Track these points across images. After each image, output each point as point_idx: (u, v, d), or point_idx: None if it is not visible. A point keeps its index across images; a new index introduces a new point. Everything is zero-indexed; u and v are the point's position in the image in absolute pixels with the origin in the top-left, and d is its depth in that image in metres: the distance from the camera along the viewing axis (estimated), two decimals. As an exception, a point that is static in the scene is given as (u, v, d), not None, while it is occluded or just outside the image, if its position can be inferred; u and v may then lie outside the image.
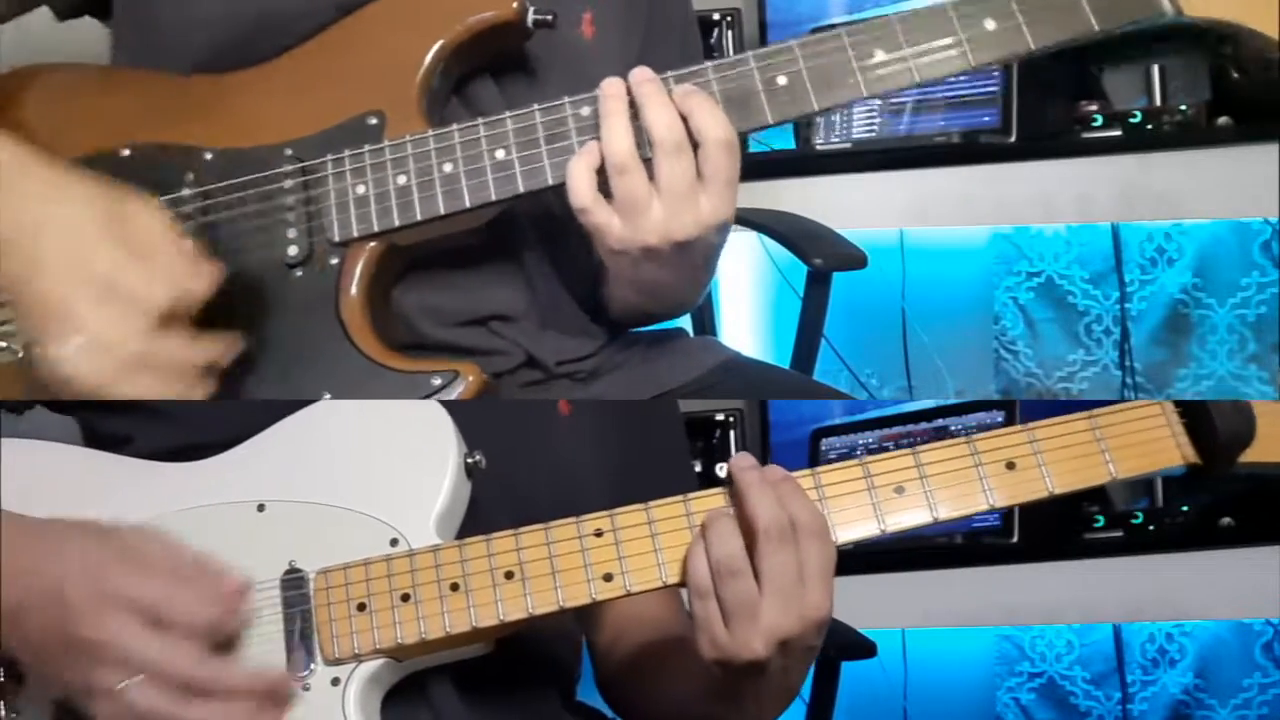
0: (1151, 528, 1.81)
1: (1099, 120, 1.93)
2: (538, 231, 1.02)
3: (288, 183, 0.92)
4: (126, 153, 0.94)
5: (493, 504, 0.87)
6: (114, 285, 0.79)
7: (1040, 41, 0.88)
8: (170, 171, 0.93)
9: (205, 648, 0.76)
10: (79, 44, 1.07)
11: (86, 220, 0.80)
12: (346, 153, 0.92)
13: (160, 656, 0.74)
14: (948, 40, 0.89)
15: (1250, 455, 0.80)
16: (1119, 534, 1.82)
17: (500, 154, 0.90)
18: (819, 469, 0.80)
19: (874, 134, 2.07)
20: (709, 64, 0.90)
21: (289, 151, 0.93)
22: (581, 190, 0.86)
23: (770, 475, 0.78)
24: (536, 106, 0.91)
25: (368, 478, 0.84)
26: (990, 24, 0.88)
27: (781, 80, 0.89)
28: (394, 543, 0.81)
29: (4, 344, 0.90)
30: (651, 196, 0.84)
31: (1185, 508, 1.81)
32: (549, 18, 0.95)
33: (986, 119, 1.98)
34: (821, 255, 1.59)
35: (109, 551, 0.76)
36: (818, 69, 0.89)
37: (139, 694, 0.73)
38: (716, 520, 0.77)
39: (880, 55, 0.89)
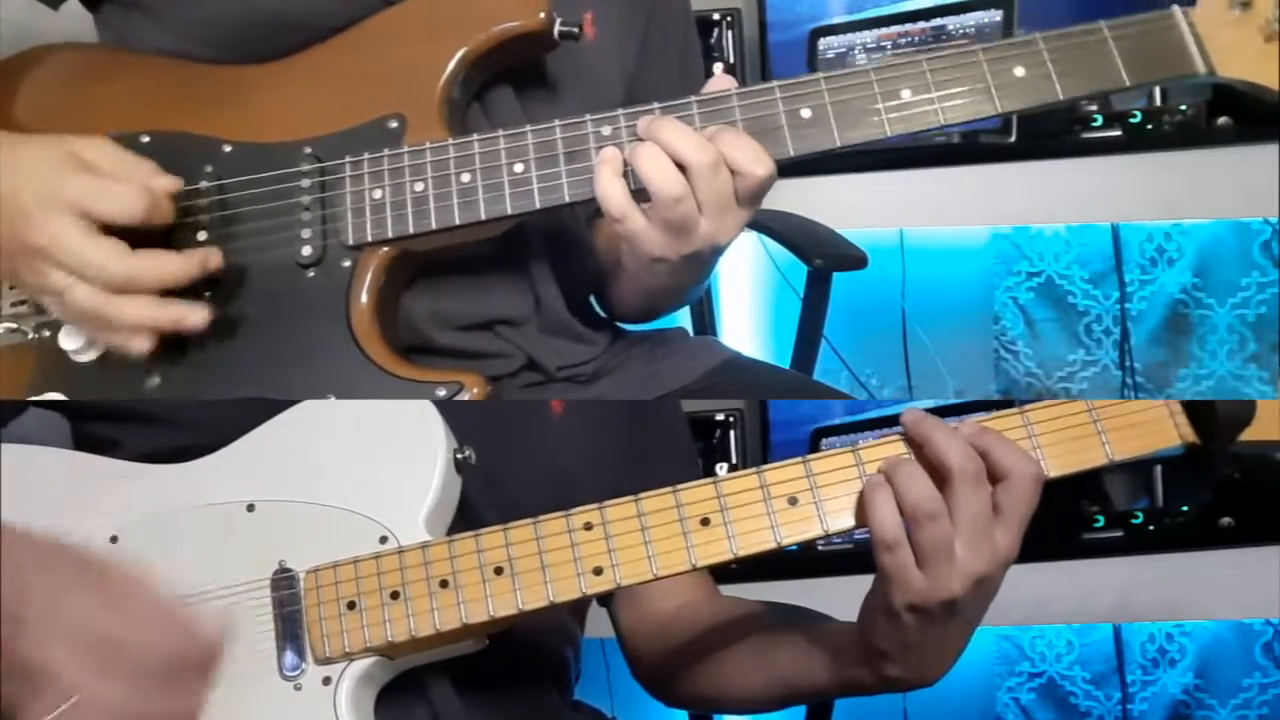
0: (1151, 528, 1.80)
1: (1099, 120, 1.92)
2: (544, 240, 1.02)
3: (305, 182, 0.92)
4: (146, 139, 0.94)
5: (483, 504, 0.87)
6: (90, 210, 0.82)
7: (1070, 92, 0.87)
8: (189, 161, 0.93)
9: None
10: (81, 36, 1.06)
11: (49, 164, 0.83)
12: (365, 155, 0.92)
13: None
14: (976, 85, 0.88)
15: (1249, 434, 0.79)
16: (1119, 534, 1.81)
17: (519, 168, 0.89)
18: (810, 457, 0.79)
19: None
20: (734, 91, 0.88)
21: (308, 150, 0.93)
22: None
23: (966, 429, 0.77)
24: (558, 122, 0.90)
25: (357, 475, 0.83)
26: (1020, 71, 0.87)
27: (805, 113, 0.88)
28: (383, 540, 0.81)
29: (15, 325, 0.90)
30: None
31: (1185, 508, 1.80)
32: (575, 29, 0.94)
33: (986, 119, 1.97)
34: (821, 255, 1.59)
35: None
36: (842, 104, 0.88)
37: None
38: (902, 466, 0.76)
39: (907, 95, 0.88)
